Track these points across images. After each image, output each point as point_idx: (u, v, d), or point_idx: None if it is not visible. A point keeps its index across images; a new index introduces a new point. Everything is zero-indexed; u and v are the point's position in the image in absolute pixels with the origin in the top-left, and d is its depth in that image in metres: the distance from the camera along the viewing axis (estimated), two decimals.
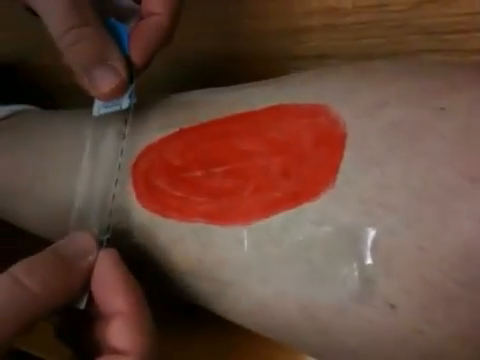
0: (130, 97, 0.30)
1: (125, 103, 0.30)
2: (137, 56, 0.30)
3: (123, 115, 0.31)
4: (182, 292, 0.30)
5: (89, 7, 0.29)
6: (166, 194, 0.29)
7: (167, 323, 0.28)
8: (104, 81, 0.29)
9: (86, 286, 0.27)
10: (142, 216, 0.30)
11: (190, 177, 0.29)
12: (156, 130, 0.31)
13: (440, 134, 0.24)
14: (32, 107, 0.41)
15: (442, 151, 0.23)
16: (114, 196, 0.30)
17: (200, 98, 0.32)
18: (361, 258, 0.24)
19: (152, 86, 0.36)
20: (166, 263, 0.30)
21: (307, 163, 0.26)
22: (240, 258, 0.27)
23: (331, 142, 0.26)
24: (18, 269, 0.25)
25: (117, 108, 0.30)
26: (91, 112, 0.31)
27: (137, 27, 0.31)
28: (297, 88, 0.28)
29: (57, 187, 0.33)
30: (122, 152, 0.31)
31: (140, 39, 0.30)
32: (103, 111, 0.31)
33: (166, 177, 0.30)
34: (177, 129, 0.31)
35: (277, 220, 0.26)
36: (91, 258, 0.27)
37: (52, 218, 0.34)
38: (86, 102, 0.41)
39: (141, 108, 0.31)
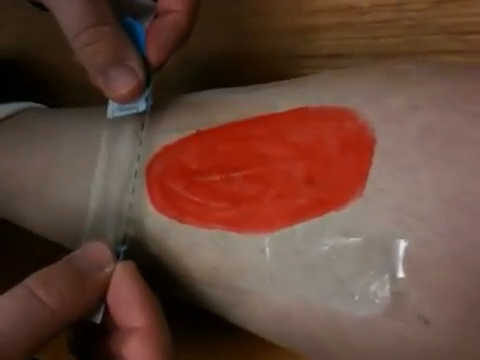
0: (147, 100, 0.29)
1: (141, 106, 0.29)
2: (154, 56, 0.29)
3: (138, 118, 0.30)
4: (197, 300, 0.29)
5: (106, 5, 0.28)
6: (183, 199, 0.28)
7: (177, 330, 0.26)
8: (121, 83, 0.28)
9: (102, 299, 0.26)
10: (156, 221, 0.29)
11: (208, 181, 0.28)
12: (171, 132, 0.30)
13: (474, 141, 0.23)
14: (36, 104, 0.40)
15: (476, 158, 0.22)
16: (131, 205, 0.29)
17: (215, 99, 0.31)
18: (392, 270, 0.23)
19: (161, 85, 0.35)
20: (181, 270, 0.29)
21: (333, 169, 0.25)
22: (260, 267, 0.26)
23: (359, 148, 0.25)
24: (33, 281, 0.24)
25: (133, 111, 0.29)
26: (102, 112, 0.30)
27: (154, 25, 0.30)
28: (321, 90, 0.27)
29: (67, 191, 0.32)
30: (139, 158, 0.29)
31: (157, 38, 0.29)
32: (118, 114, 0.29)
33: (183, 181, 0.29)
34: (193, 131, 0.30)
35: (301, 229, 0.25)
36: (108, 270, 0.26)
37: (61, 223, 0.33)
38: (90, 99, 0.40)
39: (153, 108, 0.30)
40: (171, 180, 0.29)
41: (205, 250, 0.27)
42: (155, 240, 0.29)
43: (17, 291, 0.23)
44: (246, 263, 0.26)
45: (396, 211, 0.23)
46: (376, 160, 0.24)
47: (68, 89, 0.51)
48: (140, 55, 0.29)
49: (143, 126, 0.30)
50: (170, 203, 0.29)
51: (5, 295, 0.23)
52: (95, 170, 0.30)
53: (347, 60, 0.38)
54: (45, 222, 0.34)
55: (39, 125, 0.36)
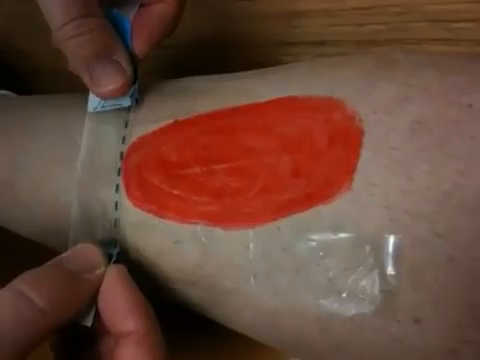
0: (132, 96, 0.28)
1: (126, 101, 0.28)
2: (140, 47, 0.28)
3: (121, 112, 0.28)
4: (179, 299, 0.28)
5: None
6: (162, 192, 0.27)
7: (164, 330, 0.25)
8: (108, 78, 0.27)
9: (93, 302, 0.25)
10: (134, 216, 0.27)
11: (189, 174, 0.27)
12: (147, 121, 0.28)
13: (470, 135, 0.22)
14: (4, 91, 0.38)
15: (472, 153, 0.22)
16: (117, 204, 0.27)
17: (195, 86, 0.30)
18: (384, 269, 0.22)
19: (141, 71, 0.33)
20: (161, 268, 0.27)
21: (320, 162, 0.24)
22: (244, 264, 0.25)
23: (347, 140, 0.24)
24: (22, 282, 0.23)
25: (117, 106, 0.28)
26: (79, 102, 0.29)
27: (140, 15, 0.28)
28: (308, 79, 0.26)
29: (42, 185, 0.30)
30: (122, 155, 0.28)
31: (144, 29, 0.28)
32: (100, 109, 0.28)
33: (162, 174, 0.27)
34: (171, 121, 0.28)
35: (287, 224, 0.24)
36: (98, 272, 0.25)
37: (36, 218, 0.31)
38: (62, 86, 0.38)
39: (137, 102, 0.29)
40: (149, 173, 0.27)
41: (186, 247, 0.26)
42: (133, 236, 0.28)
43: (6, 293, 0.22)
44: (229, 260, 0.25)
45: (390, 207, 0.22)
46: (366, 153, 0.23)
47: (38, 75, 0.49)
48: (127, 50, 0.28)
49: (127, 123, 0.28)
50: (148, 197, 0.27)
51: None
52: (74, 165, 0.28)
53: (332, 47, 0.37)
54: (19, 218, 0.32)
55: (8, 114, 0.34)
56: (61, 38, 0.26)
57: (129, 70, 0.27)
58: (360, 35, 0.36)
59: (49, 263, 0.24)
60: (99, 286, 0.25)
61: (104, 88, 0.27)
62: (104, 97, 0.27)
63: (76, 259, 0.25)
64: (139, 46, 0.28)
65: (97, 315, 0.25)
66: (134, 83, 0.28)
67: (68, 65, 0.28)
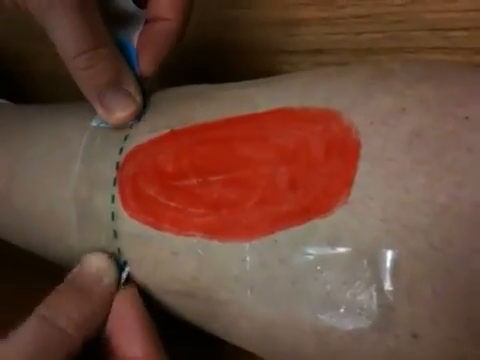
0: (138, 118, 0.29)
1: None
2: (147, 68, 0.29)
3: (122, 128, 0.29)
4: (176, 311, 0.28)
5: (103, 27, 0.27)
6: (158, 203, 0.27)
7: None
8: (119, 107, 0.28)
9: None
10: (130, 227, 0.27)
11: (185, 185, 0.26)
12: (146, 131, 0.28)
13: (468, 147, 0.22)
14: (4, 101, 0.38)
15: (469, 166, 0.21)
16: (113, 214, 0.27)
17: (192, 96, 0.29)
18: (381, 283, 0.22)
19: None
20: (158, 279, 0.27)
21: (317, 174, 0.24)
22: (241, 277, 0.25)
23: (344, 152, 0.24)
24: (44, 308, 0.24)
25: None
26: (77, 111, 0.29)
27: (145, 34, 0.29)
28: (305, 89, 0.26)
29: (37, 194, 0.30)
30: (118, 166, 0.28)
31: (150, 48, 0.29)
32: (103, 126, 0.29)
33: (158, 184, 0.27)
34: (168, 130, 0.28)
35: (284, 236, 0.24)
36: (107, 280, 0.26)
37: (30, 228, 0.31)
38: (60, 90, 0.38)
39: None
40: (145, 183, 0.27)
41: (183, 258, 0.26)
42: (130, 247, 0.27)
43: (32, 319, 0.24)
44: (225, 272, 0.25)
45: (386, 220, 0.22)
46: (363, 165, 0.23)
47: (37, 80, 0.49)
48: (137, 79, 0.29)
49: (126, 137, 0.28)
50: (144, 208, 0.27)
51: (20, 329, 0.23)
52: (70, 174, 0.28)
53: (330, 56, 0.37)
54: (15, 228, 0.32)
55: (5, 123, 0.34)
56: (73, 69, 0.27)
57: (139, 98, 0.28)
58: (358, 43, 0.36)
59: (63, 284, 0.26)
60: (111, 299, 0.26)
61: (115, 116, 0.28)
62: (115, 124, 0.28)
63: (85, 274, 0.26)
64: (146, 66, 0.29)
65: (105, 340, 0.26)
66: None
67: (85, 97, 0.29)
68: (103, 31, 0.27)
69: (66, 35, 0.26)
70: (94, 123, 0.29)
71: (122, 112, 0.28)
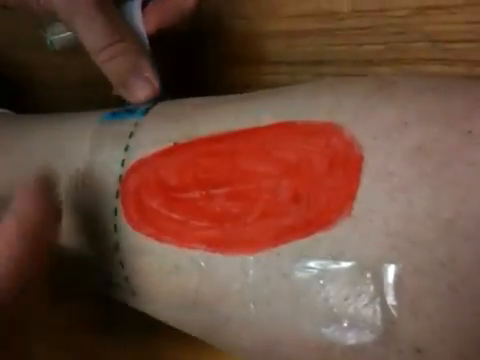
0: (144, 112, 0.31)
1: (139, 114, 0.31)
2: (150, 26, 0.33)
3: (121, 137, 0.29)
4: (179, 323, 0.28)
5: (120, 21, 0.32)
6: (161, 216, 0.27)
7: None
8: (140, 91, 0.32)
9: None
10: (133, 239, 0.27)
11: (188, 198, 0.26)
12: (149, 144, 0.28)
13: (470, 162, 0.22)
14: (5, 111, 0.37)
15: (472, 180, 0.21)
16: (116, 226, 0.27)
17: (197, 108, 0.29)
18: (384, 297, 0.22)
19: None
20: (161, 292, 0.27)
21: (320, 188, 0.24)
22: (243, 290, 0.25)
23: (346, 165, 0.24)
24: None
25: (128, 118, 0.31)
26: (79, 124, 0.29)
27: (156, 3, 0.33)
28: (308, 103, 0.26)
29: None
30: (120, 178, 0.28)
31: (156, 13, 0.33)
32: (110, 118, 0.31)
33: (161, 197, 0.27)
34: (171, 144, 0.28)
35: (287, 250, 0.24)
36: None
37: None
38: (65, 100, 0.38)
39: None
40: (148, 196, 0.27)
41: (185, 271, 0.26)
42: (133, 259, 0.27)
43: None
44: (228, 286, 0.25)
45: (390, 235, 0.22)
46: (366, 179, 0.23)
47: (40, 88, 0.49)
48: (154, 67, 0.33)
49: (127, 147, 0.28)
50: (147, 220, 0.27)
51: None
52: (72, 187, 0.28)
53: (329, 67, 0.37)
54: None
55: (7, 133, 0.34)
56: (100, 62, 0.32)
57: (156, 83, 0.32)
58: (358, 55, 0.36)
59: None
60: None
61: (137, 98, 0.32)
62: (137, 103, 0.32)
63: None
64: (149, 25, 0.33)
65: None
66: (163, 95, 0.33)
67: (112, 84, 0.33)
68: (121, 24, 0.32)
69: (92, 32, 0.31)
70: (100, 119, 0.32)
71: (143, 95, 0.32)
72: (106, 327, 0.40)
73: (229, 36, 0.39)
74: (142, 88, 0.32)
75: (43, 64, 0.47)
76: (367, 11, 0.36)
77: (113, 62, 0.32)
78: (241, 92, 0.31)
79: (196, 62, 0.40)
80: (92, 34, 0.31)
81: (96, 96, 0.37)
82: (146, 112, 0.30)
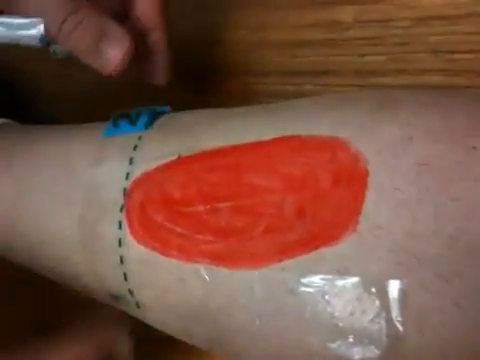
0: (146, 122, 0.30)
1: (141, 125, 0.30)
2: (162, 78, 0.33)
3: (125, 150, 0.29)
4: (185, 336, 0.28)
5: None
6: (165, 230, 0.27)
7: None
8: (113, 52, 0.30)
9: None
10: (137, 253, 0.27)
11: (192, 212, 0.26)
12: (153, 158, 0.28)
13: (474, 177, 0.22)
14: (7, 120, 0.38)
15: (477, 196, 0.21)
16: (120, 240, 0.27)
17: (201, 121, 0.30)
18: (390, 312, 0.22)
19: (139, 100, 0.33)
20: (166, 305, 0.27)
21: (325, 203, 0.24)
22: (248, 306, 0.25)
23: (352, 181, 0.24)
24: None
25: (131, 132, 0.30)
26: (82, 136, 0.29)
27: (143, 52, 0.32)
28: (312, 117, 0.26)
29: (45, 221, 0.30)
30: (125, 191, 0.28)
31: (155, 61, 0.33)
32: (113, 133, 0.30)
33: (165, 210, 0.27)
34: (175, 157, 0.28)
35: (292, 265, 0.24)
36: None
37: (44, 258, 0.31)
38: (66, 111, 0.38)
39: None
40: (152, 209, 0.27)
41: (190, 285, 0.26)
42: (138, 273, 0.27)
43: None
44: (233, 300, 0.25)
45: (396, 251, 0.22)
46: (371, 194, 0.23)
47: (42, 99, 0.49)
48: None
49: (132, 160, 0.28)
50: (152, 234, 0.27)
51: None
52: (75, 201, 0.28)
53: (333, 77, 0.37)
54: (19, 251, 0.32)
55: (10, 144, 0.34)
56: (63, 39, 0.30)
57: (127, 39, 0.30)
58: (361, 65, 0.36)
59: None
60: None
61: (113, 62, 0.30)
62: (116, 71, 0.31)
63: None
64: (160, 78, 0.33)
65: None
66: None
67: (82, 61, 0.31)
68: None
69: (48, 12, 0.29)
70: (103, 134, 0.31)
71: (117, 56, 0.30)
72: None
73: (233, 46, 0.39)
74: (114, 50, 0.30)
75: (45, 74, 0.47)
76: (370, 21, 0.36)
77: (76, 33, 0.29)
78: (245, 103, 0.31)
79: (200, 73, 0.40)
80: (49, 13, 0.29)
81: (98, 107, 0.37)
82: (150, 124, 0.30)
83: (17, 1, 0.29)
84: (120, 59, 0.30)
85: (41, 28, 0.29)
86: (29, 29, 0.30)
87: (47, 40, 0.30)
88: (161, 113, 0.31)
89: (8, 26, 0.30)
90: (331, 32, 0.37)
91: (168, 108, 0.31)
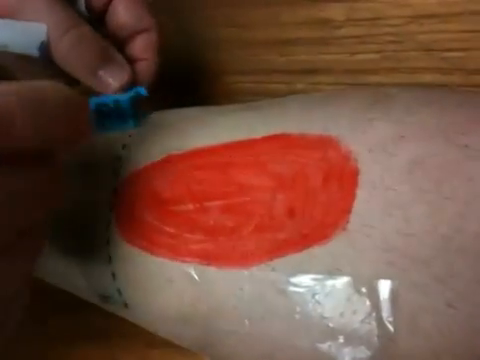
0: (135, 119, 0.29)
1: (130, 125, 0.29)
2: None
3: (115, 147, 0.28)
4: (175, 337, 0.27)
5: (75, 12, 0.29)
6: (155, 229, 0.26)
7: None
8: (114, 79, 0.29)
9: None
10: (127, 253, 0.27)
11: (182, 211, 0.26)
12: (143, 156, 0.28)
13: (467, 176, 0.21)
14: None
15: (470, 195, 0.21)
16: (109, 239, 0.27)
17: (191, 119, 0.29)
18: (381, 314, 0.21)
19: None
20: (155, 305, 0.27)
21: (315, 202, 0.24)
22: (238, 306, 0.24)
23: (342, 179, 0.23)
24: None
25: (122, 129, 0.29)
26: None
27: None
28: (303, 115, 0.26)
29: None
30: (115, 190, 0.27)
31: None
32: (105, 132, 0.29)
33: (154, 210, 0.27)
34: (165, 156, 0.28)
35: (282, 264, 0.24)
36: None
37: None
38: None
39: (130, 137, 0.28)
40: (141, 208, 0.27)
41: (179, 285, 0.26)
42: (124, 272, 0.27)
43: None
44: (223, 302, 0.25)
45: (387, 250, 0.21)
46: (362, 193, 0.23)
47: None
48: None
49: (120, 158, 0.28)
50: (140, 233, 0.27)
51: None
52: (66, 199, 0.28)
53: (324, 76, 0.36)
54: None
55: None
56: (63, 51, 0.28)
57: (128, 67, 0.30)
58: (353, 64, 0.36)
59: None
60: None
61: (112, 88, 0.29)
62: (113, 93, 0.29)
63: None
64: None
65: None
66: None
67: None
68: (77, 15, 0.29)
69: (49, 20, 0.28)
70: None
71: (117, 83, 0.29)
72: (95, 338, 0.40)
73: (223, 45, 0.39)
74: (115, 76, 0.29)
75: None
76: (362, 20, 0.36)
77: (77, 49, 0.28)
78: (235, 102, 0.30)
79: (190, 71, 0.40)
80: (50, 23, 0.28)
81: None
82: (138, 122, 0.30)
83: (19, 10, 0.28)
84: (117, 88, 0.29)
85: (44, 34, 0.28)
86: (30, 34, 0.28)
87: (46, 51, 0.28)
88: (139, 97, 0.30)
89: (9, 27, 0.28)
90: (322, 30, 0.37)
91: (144, 90, 0.30)
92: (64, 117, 0.23)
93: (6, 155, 0.20)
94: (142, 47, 0.30)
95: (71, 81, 0.29)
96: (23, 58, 0.28)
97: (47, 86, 0.23)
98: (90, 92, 0.29)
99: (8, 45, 0.28)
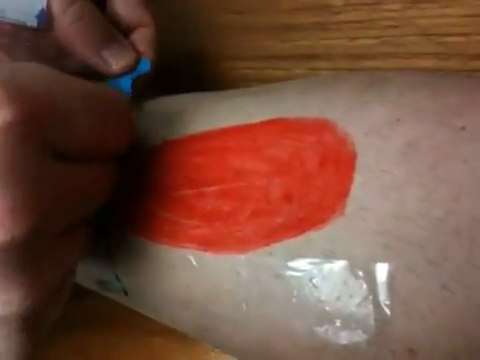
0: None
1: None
2: None
3: None
4: (173, 321, 0.27)
5: None
6: (153, 215, 0.26)
7: None
8: (120, 57, 0.29)
9: None
10: (123, 238, 0.27)
11: (179, 196, 0.26)
12: (139, 142, 0.28)
13: (462, 158, 0.21)
14: None
15: (465, 178, 0.21)
16: (107, 227, 0.27)
17: (188, 105, 0.29)
18: (377, 297, 0.21)
19: None
20: (156, 291, 0.27)
21: (312, 186, 0.24)
22: (235, 291, 0.24)
23: (339, 163, 0.23)
24: None
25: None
26: None
27: None
28: (299, 99, 0.26)
29: None
30: None
31: None
32: None
33: (153, 196, 0.27)
34: (160, 141, 0.28)
35: (279, 249, 0.24)
36: None
37: None
38: None
39: None
40: (140, 194, 0.27)
41: (178, 270, 0.26)
42: (128, 259, 0.27)
43: None
44: (220, 286, 0.25)
45: (382, 233, 0.21)
46: (358, 176, 0.23)
47: None
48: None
49: None
50: (140, 220, 0.27)
51: None
52: None
53: (323, 61, 0.36)
54: None
55: None
56: (66, 25, 0.27)
57: (131, 55, 0.29)
58: (352, 49, 0.36)
59: None
60: None
61: (118, 66, 0.29)
62: (116, 74, 0.29)
63: None
64: None
65: None
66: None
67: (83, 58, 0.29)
68: None
69: None
70: None
71: (125, 61, 0.29)
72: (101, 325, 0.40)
73: (222, 31, 0.39)
74: (121, 54, 0.29)
75: None
76: (361, 5, 0.36)
77: (79, 23, 0.27)
78: (234, 87, 0.30)
79: (189, 57, 0.40)
80: None
81: None
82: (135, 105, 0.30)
83: None
84: (119, 70, 0.29)
85: (44, 1, 0.27)
86: (29, 0, 0.27)
87: (45, 20, 0.27)
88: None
89: None
90: (321, 16, 0.37)
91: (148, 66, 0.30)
92: (118, 121, 0.24)
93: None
94: (138, 41, 0.30)
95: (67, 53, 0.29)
96: (19, 26, 0.28)
97: (107, 90, 0.24)
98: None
99: (5, 10, 0.27)
